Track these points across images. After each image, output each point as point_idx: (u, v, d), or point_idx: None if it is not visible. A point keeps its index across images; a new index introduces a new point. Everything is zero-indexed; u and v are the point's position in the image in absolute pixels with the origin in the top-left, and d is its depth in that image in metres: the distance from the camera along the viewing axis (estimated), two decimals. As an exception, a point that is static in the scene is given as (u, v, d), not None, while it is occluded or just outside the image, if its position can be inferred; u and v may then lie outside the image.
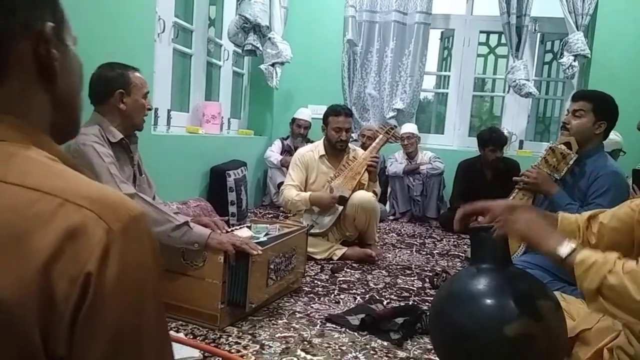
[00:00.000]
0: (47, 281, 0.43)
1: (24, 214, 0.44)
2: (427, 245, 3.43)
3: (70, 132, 0.61)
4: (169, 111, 3.26)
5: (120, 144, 1.83)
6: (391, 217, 4.31)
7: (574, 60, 4.24)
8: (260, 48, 3.99)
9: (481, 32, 5.09)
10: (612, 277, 0.92)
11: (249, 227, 2.15)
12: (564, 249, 1.01)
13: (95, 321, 0.44)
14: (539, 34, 4.85)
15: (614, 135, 3.43)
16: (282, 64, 4.22)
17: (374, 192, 2.95)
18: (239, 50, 4.06)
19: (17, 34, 0.50)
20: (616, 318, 1.02)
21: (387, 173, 4.34)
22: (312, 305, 2.05)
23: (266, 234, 2.05)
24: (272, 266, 1.90)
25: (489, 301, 1.19)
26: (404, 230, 3.91)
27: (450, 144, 4.90)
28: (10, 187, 0.46)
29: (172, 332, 1.64)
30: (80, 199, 0.46)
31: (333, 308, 2.03)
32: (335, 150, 2.97)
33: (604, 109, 2.03)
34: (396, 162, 4.31)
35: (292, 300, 2.08)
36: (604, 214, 1.28)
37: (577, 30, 4.22)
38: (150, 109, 1.93)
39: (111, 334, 0.45)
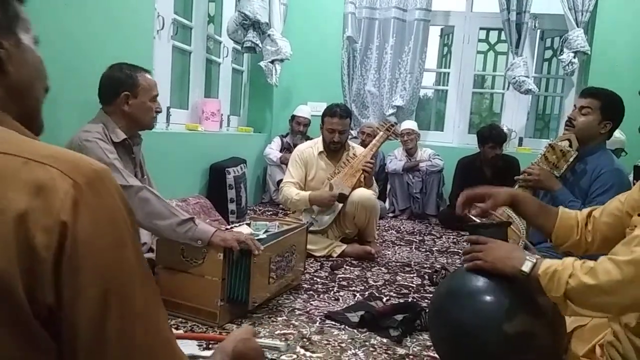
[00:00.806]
0: (24, 232, 0.45)
1: None
2: (426, 242, 3.44)
3: (28, 125, 0.63)
4: (168, 108, 3.26)
5: (123, 144, 1.84)
6: (390, 215, 4.32)
7: (574, 57, 4.23)
8: (260, 45, 3.98)
9: (481, 28, 5.08)
10: (573, 280, 0.99)
11: (249, 225, 2.15)
12: (526, 266, 1.08)
13: (78, 265, 0.47)
14: (538, 31, 4.84)
15: (618, 134, 3.43)
16: (281, 61, 4.22)
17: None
18: (239, 47, 4.05)
19: None
20: (591, 317, 1.07)
21: (386, 170, 4.34)
22: (312, 302, 2.05)
23: (266, 231, 2.05)
24: (273, 264, 1.90)
25: (488, 298, 1.19)
26: (404, 227, 3.91)
27: (450, 141, 4.90)
28: None
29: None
30: (43, 157, 0.49)
31: (332, 305, 2.03)
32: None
33: (611, 108, 2.01)
34: (396, 159, 4.31)
35: (291, 297, 2.09)
36: (597, 209, 1.29)
37: (577, 26, 4.21)
38: (159, 111, 1.92)
39: (96, 275, 0.48)
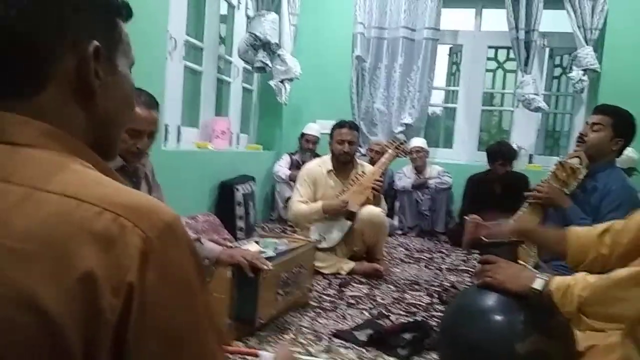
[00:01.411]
0: (91, 291, 0.43)
1: (64, 223, 0.45)
2: (435, 260, 3.41)
3: (107, 153, 0.61)
4: (179, 127, 3.31)
5: (122, 170, 1.68)
6: (399, 232, 4.29)
7: (584, 75, 4.23)
8: (270, 65, 4.04)
9: (489, 47, 5.11)
10: (586, 293, 1.00)
11: (257, 242, 2.15)
12: (538, 284, 1.10)
13: (146, 331, 0.44)
14: (547, 49, 4.86)
15: (632, 154, 3.40)
16: (291, 80, 4.27)
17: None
18: (249, 67, 4.12)
19: (65, 51, 0.52)
20: (605, 331, 1.07)
21: (395, 187, 4.33)
22: (319, 320, 2.04)
23: (275, 249, 2.05)
24: (280, 281, 1.89)
25: (499, 317, 1.17)
26: (412, 244, 3.89)
27: (459, 158, 4.88)
28: (51, 196, 0.46)
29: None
30: (117, 207, 0.46)
31: (340, 323, 2.01)
32: (342, 165, 2.97)
33: (623, 125, 2.01)
34: (404, 177, 4.30)
35: (298, 315, 2.07)
36: (617, 223, 1.28)
37: (586, 44, 4.22)
38: (134, 152, 1.62)
39: (166, 343, 0.45)
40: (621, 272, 0.99)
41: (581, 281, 1.02)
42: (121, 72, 0.58)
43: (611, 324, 1.01)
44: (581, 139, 2.08)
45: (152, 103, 1.69)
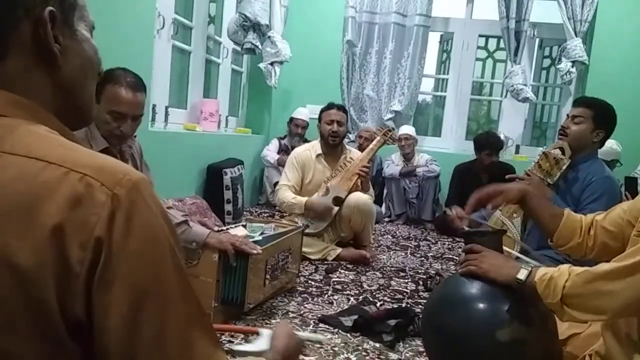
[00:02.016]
0: (60, 246, 0.45)
1: (31, 183, 0.47)
2: (421, 247, 3.44)
3: (79, 118, 0.62)
4: (166, 108, 3.26)
5: (107, 151, 1.63)
6: (386, 219, 4.32)
7: (572, 66, 4.26)
8: (260, 47, 3.99)
9: (480, 35, 5.11)
10: (570, 285, 1.01)
11: (244, 226, 2.15)
12: (521, 274, 1.11)
13: (111, 282, 0.46)
14: (537, 39, 4.87)
15: (615, 146, 3.46)
16: (281, 63, 4.23)
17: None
18: (238, 49, 4.06)
19: (19, 18, 0.52)
20: (587, 322, 1.09)
21: (383, 175, 4.34)
22: (306, 305, 2.05)
23: (261, 233, 2.05)
24: (268, 266, 1.90)
25: (481, 305, 1.19)
26: (399, 232, 3.92)
27: (447, 147, 4.91)
28: (17, 158, 0.48)
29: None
30: (83, 167, 0.48)
31: (326, 309, 2.03)
32: (331, 149, 2.96)
33: (603, 118, 2.04)
34: (393, 164, 4.32)
35: (285, 300, 2.09)
36: (600, 214, 1.30)
37: (576, 36, 4.24)
38: (117, 134, 1.60)
39: (130, 293, 0.47)
40: (604, 266, 1.00)
41: (565, 273, 1.03)
42: (80, 35, 0.58)
43: (593, 315, 1.03)
44: (563, 131, 2.11)
45: (138, 85, 1.65)
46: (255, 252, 1.73)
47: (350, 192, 2.84)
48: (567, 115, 2.15)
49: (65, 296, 0.46)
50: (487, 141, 3.80)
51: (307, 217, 2.84)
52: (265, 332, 0.83)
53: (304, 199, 2.83)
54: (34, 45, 0.53)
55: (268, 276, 1.91)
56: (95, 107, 0.65)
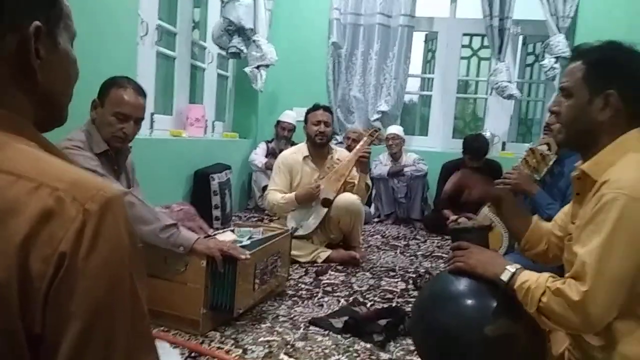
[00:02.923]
0: (25, 260, 0.45)
1: (1, 198, 0.46)
2: (411, 246, 3.45)
3: (54, 123, 0.62)
4: (152, 114, 3.24)
5: (105, 155, 1.76)
6: (376, 219, 4.33)
7: (556, 62, 4.30)
8: (245, 51, 3.98)
9: (464, 34, 5.14)
10: (545, 300, 1.02)
11: (232, 231, 2.14)
12: (505, 275, 1.12)
13: (66, 298, 0.45)
14: (521, 37, 4.92)
15: None
16: (266, 66, 4.22)
17: (366, 185, 2.95)
18: (224, 53, 4.05)
19: (4, 33, 0.52)
20: (561, 331, 1.12)
21: (371, 175, 4.34)
22: (296, 308, 2.05)
23: (249, 238, 2.04)
24: (257, 270, 1.89)
25: (469, 301, 1.20)
26: (389, 232, 3.93)
27: (434, 145, 4.93)
28: None
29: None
30: (56, 181, 0.48)
31: (317, 311, 2.03)
32: (318, 150, 2.96)
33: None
34: (380, 164, 4.32)
35: (275, 303, 2.08)
36: (559, 218, 1.32)
37: (559, 32, 4.29)
38: (120, 136, 1.73)
39: (82, 311, 0.46)
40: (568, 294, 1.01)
41: (542, 286, 1.04)
42: (62, 48, 0.58)
43: (568, 329, 1.06)
44: (547, 128, 2.12)
45: (141, 90, 1.80)
46: (243, 257, 1.72)
47: (338, 193, 2.84)
48: (549, 110, 2.14)
49: (26, 311, 0.45)
50: (470, 146, 3.68)
51: (296, 216, 2.82)
52: None
53: (292, 194, 2.82)
54: (14, 59, 0.53)
55: (257, 280, 1.90)
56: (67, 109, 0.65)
